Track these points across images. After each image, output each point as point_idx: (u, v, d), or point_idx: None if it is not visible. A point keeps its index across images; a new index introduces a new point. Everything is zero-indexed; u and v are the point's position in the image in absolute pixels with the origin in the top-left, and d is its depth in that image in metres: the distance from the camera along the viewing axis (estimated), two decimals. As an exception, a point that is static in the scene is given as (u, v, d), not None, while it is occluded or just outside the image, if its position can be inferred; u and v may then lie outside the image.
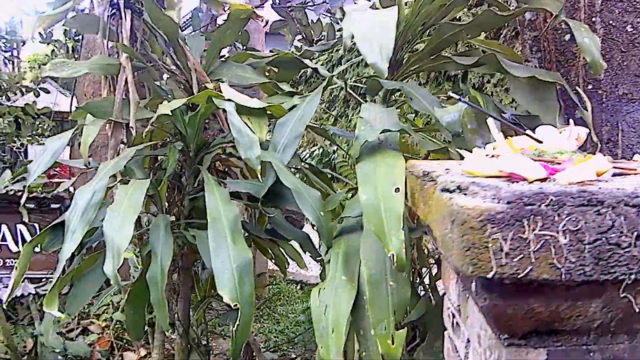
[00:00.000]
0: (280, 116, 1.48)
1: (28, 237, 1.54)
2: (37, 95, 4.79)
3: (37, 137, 5.44)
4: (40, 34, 4.69)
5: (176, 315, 2.13)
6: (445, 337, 0.92)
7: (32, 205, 1.50)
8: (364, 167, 1.03)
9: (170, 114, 1.44)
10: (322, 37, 3.22)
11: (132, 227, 1.09)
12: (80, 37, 4.91)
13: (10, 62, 4.10)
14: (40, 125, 5.26)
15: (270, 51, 2.16)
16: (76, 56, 4.65)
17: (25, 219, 1.39)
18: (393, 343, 0.95)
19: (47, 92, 5.47)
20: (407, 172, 0.92)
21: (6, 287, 1.54)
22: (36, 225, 1.54)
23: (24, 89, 4.46)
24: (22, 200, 1.36)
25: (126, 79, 1.65)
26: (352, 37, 1.09)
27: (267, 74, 2.11)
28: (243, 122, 1.37)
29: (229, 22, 1.86)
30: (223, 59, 2.04)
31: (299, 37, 3.45)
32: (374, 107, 1.28)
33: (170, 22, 1.71)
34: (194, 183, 1.85)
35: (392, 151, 1.06)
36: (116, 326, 2.76)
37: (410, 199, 0.87)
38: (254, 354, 2.14)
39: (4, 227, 1.54)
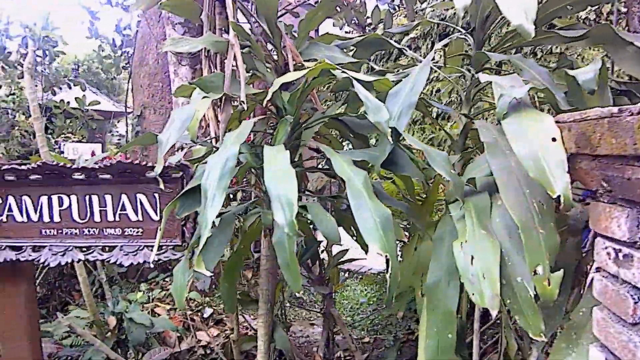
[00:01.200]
0: (384, 90, 1.56)
1: (148, 207, 1.62)
2: (84, 90, 4.92)
3: (69, 134, 5.57)
4: (89, 28, 4.83)
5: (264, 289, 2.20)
6: (596, 278, 0.98)
7: (152, 175, 1.58)
8: (511, 124, 1.09)
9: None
10: (374, 23, 3.29)
11: (295, 181, 1.16)
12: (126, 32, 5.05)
13: (56, 56, 4.23)
14: (70, 124, 5.38)
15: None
16: (123, 50, 4.79)
17: (162, 187, 1.47)
18: (549, 285, 1.01)
19: (84, 89, 5.59)
20: (568, 122, 0.98)
21: (127, 254, 1.62)
22: (156, 195, 1.63)
23: (71, 84, 4.59)
24: (158, 169, 1.43)
25: (235, 55, 1.73)
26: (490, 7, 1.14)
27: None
28: (367, 91, 1.45)
29: (321, 5, 1.93)
30: (309, 41, 2.11)
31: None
32: (495, 76, 1.34)
33: (270, 4, 1.79)
34: (292, 158, 1.92)
35: (533, 109, 1.13)
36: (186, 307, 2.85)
37: (581, 144, 0.93)
38: (337, 325, 2.20)
39: (123, 196, 1.62)
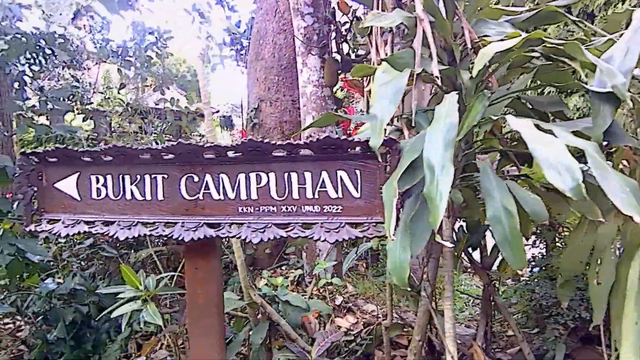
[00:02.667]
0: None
1: (348, 184, 1.60)
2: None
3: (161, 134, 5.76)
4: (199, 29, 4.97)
5: (424, 276, 2.15)
6: None
7: (357, 151, 1.56)
8: None
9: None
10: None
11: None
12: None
13: (166, 57, 4.38)
14: (166, 122, 5.57)
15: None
16: (236, 47, 4.91)
17: (380, 159, 1.45)
18: None
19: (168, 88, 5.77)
20: None
21: (328, 232, 1.61)
22: (357, 172, 1.60)
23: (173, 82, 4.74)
24: (377, 143, 1.40)
25: (424, 30, 1.68)
26: None
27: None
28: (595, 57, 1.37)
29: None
30: (477, 17, 2.04)
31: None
32: None
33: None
34: (466, 140, 1.86)
35: None
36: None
37: None
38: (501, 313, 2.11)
39: (324, 173, 1.60)
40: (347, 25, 2.87)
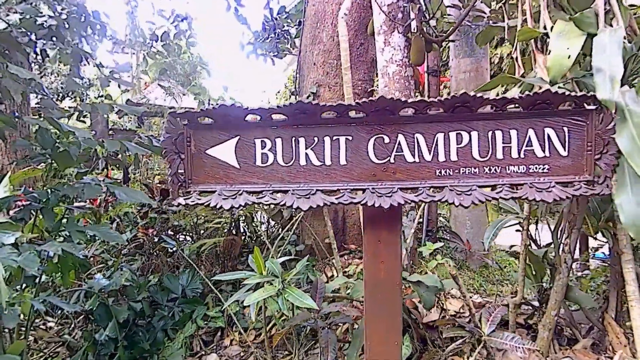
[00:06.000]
0: None
1: (556, 142, 1.52)
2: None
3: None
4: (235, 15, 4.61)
5: (565, 249, 2.13)
6: None
7: (567, 107, 1.51)
8: None
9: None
10: None
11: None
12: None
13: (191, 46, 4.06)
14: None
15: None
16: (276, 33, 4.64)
17: (595, 115, 1.40)
18: None
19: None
20: None
21: (540, 191, 1.52)
22: (565, 129, 1.54)
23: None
24: (610, 95, 1.36)
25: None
26: None
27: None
28: None
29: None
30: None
31: None
32: None
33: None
34: None
35: None
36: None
37: None
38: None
39: (530, 131, 1.53)
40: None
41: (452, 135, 1.54)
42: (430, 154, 1.55)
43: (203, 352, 2.85)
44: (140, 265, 3.15)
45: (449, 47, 4.94)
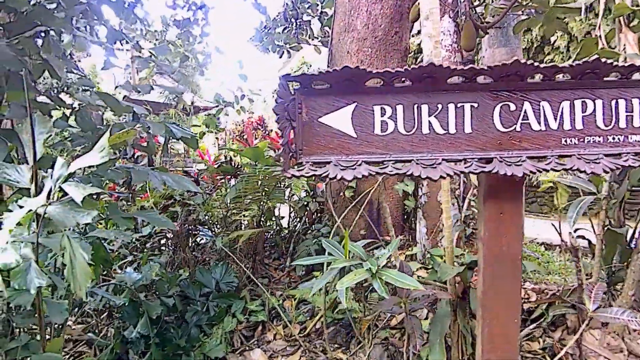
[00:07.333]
0: None
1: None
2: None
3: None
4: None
5: None
6: None
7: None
8: None
9: None
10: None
11: None
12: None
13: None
14: None
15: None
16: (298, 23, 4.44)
17: None
18: None
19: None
20: None
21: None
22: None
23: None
24: None
25: None
26: None
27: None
28: None
29: None
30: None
31: None
32: None
33: None
34: None
35: None
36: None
37: None
38: None
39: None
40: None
41: (577, 103, 1.50)
42: (556, 122, 1.50)
43: (245, 348, 2.67)
44: (168, 260, 2.92)
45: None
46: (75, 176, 1.72)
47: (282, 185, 3.35)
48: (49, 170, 1.71)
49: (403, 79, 1.46)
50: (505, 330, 1.57)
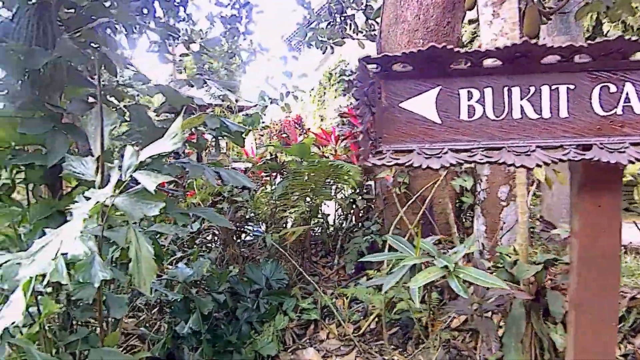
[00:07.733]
0: None
1: None
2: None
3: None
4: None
5: None
6: None
7: None
8: None
9: None
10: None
11: None
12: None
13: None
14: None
15: None
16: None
17: None
18: None
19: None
20: None
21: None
22: None
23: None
24: None
25: None
26: None
27: None
28: None
29: None
30: None
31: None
32: None
33: None
34: None
35: None
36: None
37: None
38: None
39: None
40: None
41: (687, 83, 1.36)
42: (661, 104, 1.36)
43: (297, 346, 2.60)
44: (217, 256, 2.89)
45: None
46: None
47: (329, 182, 3.27)
48: (115, 162, 1.68)
49: (495, 58, 1.35)
50: (601, 337, 1.44)
